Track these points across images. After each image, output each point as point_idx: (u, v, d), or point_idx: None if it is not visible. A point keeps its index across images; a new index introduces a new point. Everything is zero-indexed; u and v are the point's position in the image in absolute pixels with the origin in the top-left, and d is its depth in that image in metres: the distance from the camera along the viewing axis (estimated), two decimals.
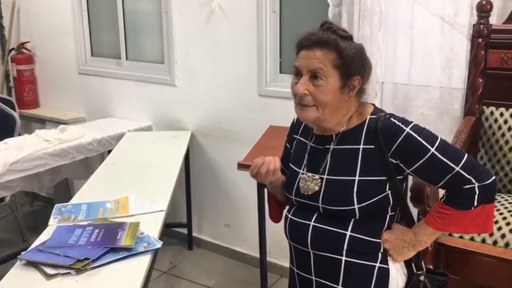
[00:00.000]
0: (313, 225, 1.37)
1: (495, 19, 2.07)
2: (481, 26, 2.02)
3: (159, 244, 1.71)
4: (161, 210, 2.01)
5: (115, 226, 1.79)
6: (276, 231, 2.90)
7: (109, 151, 2.98)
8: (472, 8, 2.08)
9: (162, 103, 3.30)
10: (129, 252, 1.64)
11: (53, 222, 1.89)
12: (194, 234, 3.35)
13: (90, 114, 3.69)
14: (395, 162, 1.29)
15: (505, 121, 2.02)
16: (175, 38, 3.12)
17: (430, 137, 1.28)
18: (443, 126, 2.25)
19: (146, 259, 1.63)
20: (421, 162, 1.27)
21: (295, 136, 1.51)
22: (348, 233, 1.32)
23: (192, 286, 2.95)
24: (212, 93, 3.06)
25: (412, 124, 1.30)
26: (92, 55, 3.71)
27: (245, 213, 3.05)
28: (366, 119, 1.35)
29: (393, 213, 1.36)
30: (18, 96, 3.92)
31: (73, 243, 1.67)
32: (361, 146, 1.32)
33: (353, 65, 1.30)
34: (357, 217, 1.31)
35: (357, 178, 1.31)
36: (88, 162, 3.11)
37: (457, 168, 1.25)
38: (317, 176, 1.37)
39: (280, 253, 2.98)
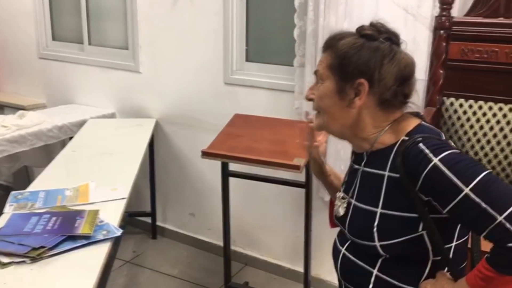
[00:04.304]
0: (343, 253, 1.22)
1: (457, 11, 2.11)
2: (443, 18, 2.05)
3: (119, 232, 1.68)
4: (122, 198, 1.97)
5: (73, 214, 1.75)
6: (240, 220, 2.92)
7: (71, 138, 2.91)
8: (434, 0, 2.11)
9: (126, 90, 3.23)
10: (88, 240, 1.60)
11: (9, 210, 1.83)
12: (158, 223, 3.32)
13: (51, 100, 3.58)
14: (426, 199, 1.06)
15: (464, 112, 2.07)
16: (139, 23, 3.06)
17: (467, 172, 1.01)
18: None
19: (105, 247, 1.60)
20: (453, 204, 1.01)
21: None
22: (375, 272, 1.14)
23: (155, 275, 2.92)
24: (178, 80, 3.02)
25: (446, 153, 1.03)
26: (53, 39, 3.60)
27: (210, 202, 3.03)
28: (399, 140, 1.13)
29: (438, 258, 1.12)
30: None
31: (29, 231, 1.62)
32: (387, 173, 1.12)
33: (349, 64, 1.11)
34: (384, 256, 1.13)
35: (379, 210, 1.12)
36: (48, 149, 3.02)
37: (500, 218, 0.97)
38: (346, 199, 1.23)
39: (244, 241, 2.99)
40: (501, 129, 2.00)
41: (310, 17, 2.34)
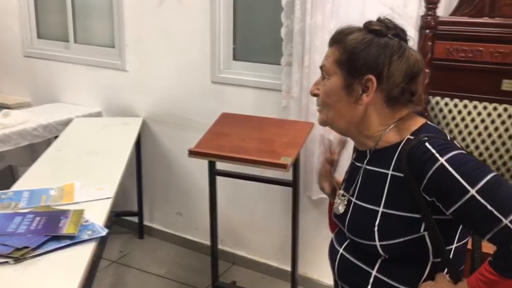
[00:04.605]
0: (341, 253, 1.21)
1: (442, 11, 2.13)
2: (429, 17, 2.06)
3: (104, 232, 1.66)
4: (108, 197, 1.95)
5: (58, 214, 1.72)
6: (228, 219, 2.91)
7: (56, 137, 2.88)
8: (420, 0, 2.12)
9: (112, 88, 3.21)
10: (72, 240, 1.58)
11: None
12: (145, 222, 3.30)
13: (36, 98, 3.54)
14: (429, 199, 1.05)
15: (450, 111, 2.09)
16: (126, 21, 3.03)
17: (474, 173, 0.99)
18: None
19: (90, 247, 1.58)
20: (458, 205, 1.00)
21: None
22: (374, 273, 1.13)
23: (142, 275, 2.90)
24: (165, 79, 3.00)
25: (453, 153, 1.02)
26: (38, 37, 3.56)
27: (197, 201, 3.02)
28: (404, 139, 1.11)
29: (438, 260, 1.11)
30: None
31: (12, 231, 1.59)
32: (390, 172, 1.11)
33: (358, 60, 1.09)
34: (383, 256, 1.12)
35: (381, 209, 1.10)
36: (33, 148, 2.99)
37: (505, 221, 0.96)
38: (346, 197, 1.21)
39: (231, 240, 2.98)
40: (486, 128, 2.02)
41: (297, 16, 2.34)
